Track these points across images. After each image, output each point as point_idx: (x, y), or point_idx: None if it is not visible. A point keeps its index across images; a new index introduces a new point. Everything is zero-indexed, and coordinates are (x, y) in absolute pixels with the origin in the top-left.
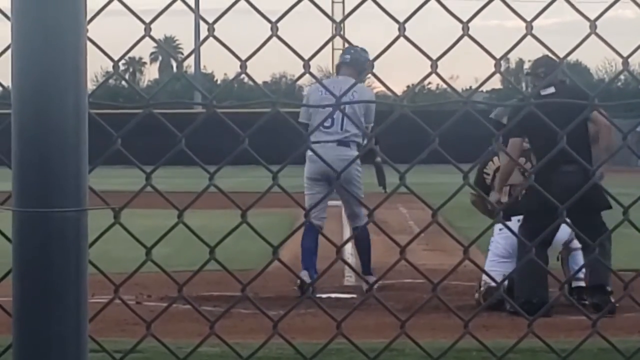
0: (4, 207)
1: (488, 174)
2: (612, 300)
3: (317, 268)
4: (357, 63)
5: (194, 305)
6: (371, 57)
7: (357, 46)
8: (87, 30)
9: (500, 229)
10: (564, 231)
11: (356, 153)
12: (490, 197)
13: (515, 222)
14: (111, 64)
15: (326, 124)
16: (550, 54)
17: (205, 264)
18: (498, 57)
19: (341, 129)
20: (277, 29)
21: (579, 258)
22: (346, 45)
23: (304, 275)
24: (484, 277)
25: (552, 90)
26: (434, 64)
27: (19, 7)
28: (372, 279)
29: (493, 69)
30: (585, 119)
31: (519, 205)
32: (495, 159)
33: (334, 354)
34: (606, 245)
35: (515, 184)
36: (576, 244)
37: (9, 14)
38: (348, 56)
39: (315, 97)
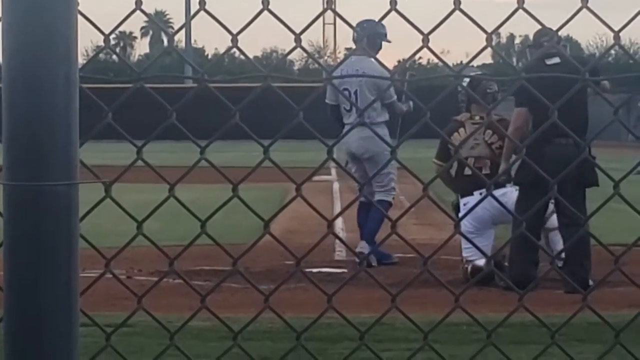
0: None
1: (452, 146)
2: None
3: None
4: (363, 39)
5: (185, 280)
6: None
7: (366, 20)
8: (78, 4)
9: (464, 204)
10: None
11: (383, 131)
12: (500, 168)
13: (477, 197)
14: (102, 38)
15: (347, 107)
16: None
17: (197, 238)
18: (489, 31)
19: (355, 111)
20: (268, 2)
21: (558, 239)
22: (337, 19)
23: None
24: (464, 253)
25: (557, 60)
26: (426, 38)
27: None
28: (366, 247)
29: (484, 44)
30: (586, 92)
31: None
32: (462, 130)
33: (324, 328)
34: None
35: (482, 156)
36: (553, 223)
37: None
38: (354, 34)
39: (336, 80)
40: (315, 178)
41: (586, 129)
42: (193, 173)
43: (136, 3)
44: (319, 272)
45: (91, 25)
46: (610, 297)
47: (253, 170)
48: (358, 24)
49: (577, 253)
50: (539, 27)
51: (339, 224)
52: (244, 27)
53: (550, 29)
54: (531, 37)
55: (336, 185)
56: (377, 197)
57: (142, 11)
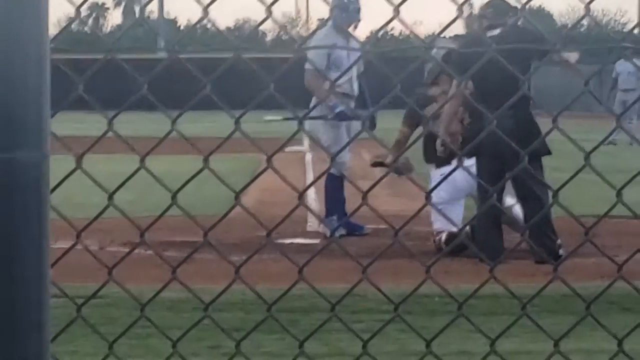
0: None
1: (423, 117)
2: (561, 249)
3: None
4: (332, 11)
5: (157, 251)
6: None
7: None
8: None
9: (441, 175)
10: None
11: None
12: (438, 142)
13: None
14: (72, 10)
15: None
16: None
17: (167, 209)
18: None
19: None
20: None
21: (519, 211)
22: None
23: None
24: (435, 225)
25: (496, 32)
26: (396, 9)
27: None
28: (333, 222)
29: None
30: (528, 63)
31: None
32: (434, 105)
33: (296, 299)
34: (543, 198)
35: (454, 132)
36: (509, 201)
37: None
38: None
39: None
40: (288, 149)
41: (528, 100)
42: (165, 144)
43: None
44: (291, 243)
45: None
46: (582, 268)
47: (224, 142)
48: None
49: (541, 224)
50: None
51: (311, 194)
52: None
53: (506, 2)
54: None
55: (308, 156)
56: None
57: None
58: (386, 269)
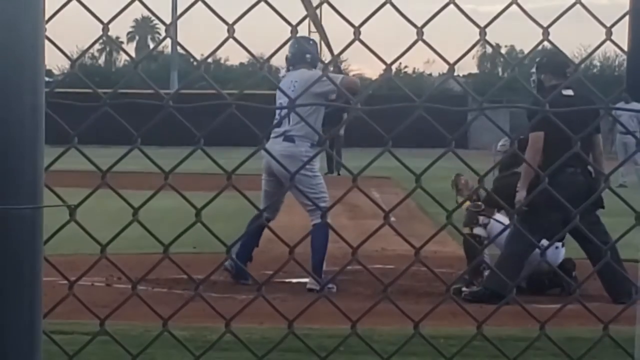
0: None
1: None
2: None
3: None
4: (295, 54)
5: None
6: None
7: (301, 37)
8: (46, 30)
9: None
10: (561, 253)
11: (303, 149)
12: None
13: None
14: (87, 43)
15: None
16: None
17: (159, 262)
18: (473, 41)
19: (288, 122)
20: None
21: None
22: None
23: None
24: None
25: (571, 92)
26: (420, 32)
27: None
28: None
29: (470, 54)
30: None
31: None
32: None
33: (302, 338)
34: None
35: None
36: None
37: None
38: (292, 50)
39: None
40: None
41: (592, 151)
42: (177, 178)
43: (103, 29)
44: (298, 282)
45: (59, 50)
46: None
47: (217, 195)
48: (292, 42)
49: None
50: (523, 36)
51: None
52: (240, 17)
53: (571, 61)
54: (517, 47)
55: None
56: (314, 221)
57: (109, 37)
58: (392, 310)
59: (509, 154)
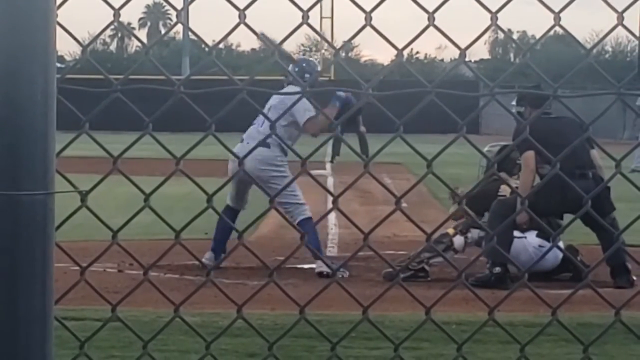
0: None
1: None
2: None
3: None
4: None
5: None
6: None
7: (303, 60)
8: (57, 15)
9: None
10: (555, 257)
11: (276, 155)
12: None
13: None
14: (98, 29)
15: (256, 122)
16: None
17: (170, 248)
18: (485, 27)
19: (262, 127)
20: None
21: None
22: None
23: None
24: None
25: (553, 115)
26: (431, 17)
27: None
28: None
29: (481, 40)
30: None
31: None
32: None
33: (314, 324)
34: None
35: None
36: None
37: None
38: (297, 69)
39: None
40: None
41: (592, 162)
42: (189, 164)
43: (114, 15)
44: (310, 268)
45: (70, 36)
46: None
47: (227, 183)
48: (297, 62)
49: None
50: (535, 21)
51: (331, 219)
52: (251, 2)
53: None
54: (529, 33)
55: (330, 180)
56: (298, 219)
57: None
58: (404, 296)
59: (498, 159)
